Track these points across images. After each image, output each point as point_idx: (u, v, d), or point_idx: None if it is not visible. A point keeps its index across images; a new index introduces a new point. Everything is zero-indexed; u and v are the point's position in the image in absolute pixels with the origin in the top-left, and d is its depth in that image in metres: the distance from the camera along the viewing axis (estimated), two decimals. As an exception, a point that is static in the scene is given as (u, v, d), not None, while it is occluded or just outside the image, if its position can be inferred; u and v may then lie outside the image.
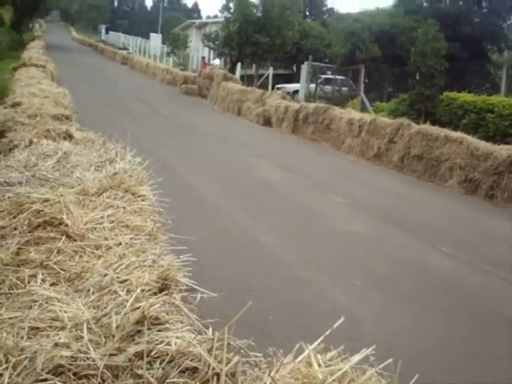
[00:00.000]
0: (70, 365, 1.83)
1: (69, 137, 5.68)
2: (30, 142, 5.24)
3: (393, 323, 5.39)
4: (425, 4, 34.83)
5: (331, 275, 6.55)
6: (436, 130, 13.39)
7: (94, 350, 1.90)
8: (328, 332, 1.76)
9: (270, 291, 5.77)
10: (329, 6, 47.78)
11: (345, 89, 26.89)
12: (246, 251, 7.09)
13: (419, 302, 6.03)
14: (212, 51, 40.08)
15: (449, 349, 4.97)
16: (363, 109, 21.47)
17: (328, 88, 26.87)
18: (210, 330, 2.11)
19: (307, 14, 42.29)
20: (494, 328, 5.56)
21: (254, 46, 28.43)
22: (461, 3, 32.30)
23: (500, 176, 11.40)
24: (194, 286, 2.68)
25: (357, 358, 1.68)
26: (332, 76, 27.47)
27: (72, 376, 1.80)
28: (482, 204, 11.39)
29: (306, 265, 6.82)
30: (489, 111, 17.25)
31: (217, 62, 34.71)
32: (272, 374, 1.61)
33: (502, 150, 11.63)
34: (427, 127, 13.67)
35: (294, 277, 6.34)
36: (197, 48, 44.38)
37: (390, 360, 1.66)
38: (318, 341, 1.74)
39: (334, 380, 1.57)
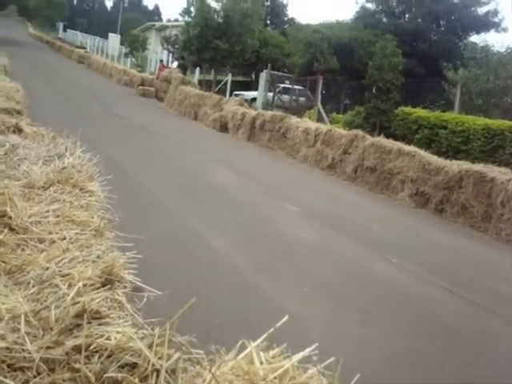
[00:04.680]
0: (5, 356, 1.77)
1: (18, 130, 5.55)
2: (-22, 134, 5.10)
3: (338, 330, 5.41)
4: (384, 19, 35.30)
5: (280, 281, 6.54)
6: (390, 143, 13.59)
7: (31, 343, 1.84)
8: (272, 330, 1.74)
9: (219, 295, 5.72)
10: (290, 16, 47.89)
11: (302, 99, 27.05)
12: (195, 254, 7.03)
13: (365, 310, 6.07)
14: (171, 54, 39.89)
15: (392, 356, 5.01)
16: (320, 119, 21.62)
17: (286, 97, 26.99)
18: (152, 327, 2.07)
19: (268, 22, 42.36)
20: (436, 337, 5.64)
21: (213, 51, 28.32)
22: (419, 20, 32.85)
23: (450, 191, 11.63)
24: (139, 283, 2.63)
25: (299, 356, 1.66)
26: (290, 85, 27.61)
27: (6, 368, 1.74)
28: (431, 217, 11.59)
29: (255, 270, 6.80)
30: (442, 127, 17.56)
31: (175, 65, 34.52)
32: (213, 371, 1.58)
33: (453, 166, 11.85)
34: (381, 140, 13.84)
35: (243, 282, 6.31)
36: (155, 50, 44.15)
37: (333, 359, 1.65)
38: (261, 338, 1.72)
39: (275, 377, 1.55)
